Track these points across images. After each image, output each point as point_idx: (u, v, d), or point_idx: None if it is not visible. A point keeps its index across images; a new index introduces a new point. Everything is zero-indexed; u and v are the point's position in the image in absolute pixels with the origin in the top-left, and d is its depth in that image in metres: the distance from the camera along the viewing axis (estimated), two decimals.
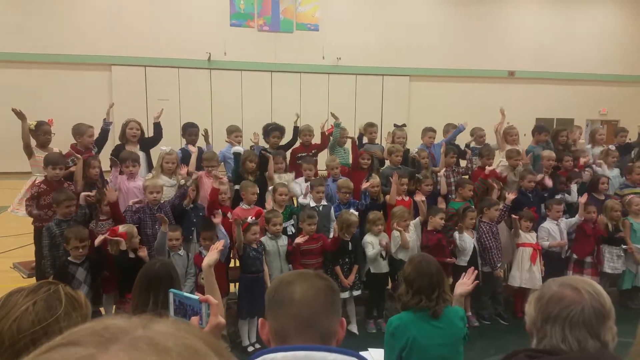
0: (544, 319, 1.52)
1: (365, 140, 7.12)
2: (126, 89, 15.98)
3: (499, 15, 18.69)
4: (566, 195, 6.27)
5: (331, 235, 5.49)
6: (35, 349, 0.54)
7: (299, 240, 5.09)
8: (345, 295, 5.19)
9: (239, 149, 6.07)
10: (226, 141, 6.47)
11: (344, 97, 17.47)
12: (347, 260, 5.32)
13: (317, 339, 1.35)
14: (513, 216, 5.64)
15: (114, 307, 4.85)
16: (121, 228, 4.66)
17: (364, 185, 5.75)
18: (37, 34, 15.31)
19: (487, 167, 6.24)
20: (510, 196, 5.64)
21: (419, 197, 5.62)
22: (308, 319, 1.38)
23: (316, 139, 7.00)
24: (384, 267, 5.40)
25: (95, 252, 4.65)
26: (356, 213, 5.35)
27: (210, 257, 2.25)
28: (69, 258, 4.51)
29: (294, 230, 5.51)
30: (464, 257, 5.49)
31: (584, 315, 1.47)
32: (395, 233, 5.37)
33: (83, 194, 4.98)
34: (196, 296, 1.61)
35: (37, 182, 5.35)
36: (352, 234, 5.28)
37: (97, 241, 4.59)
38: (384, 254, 5.36)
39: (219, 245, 2.57)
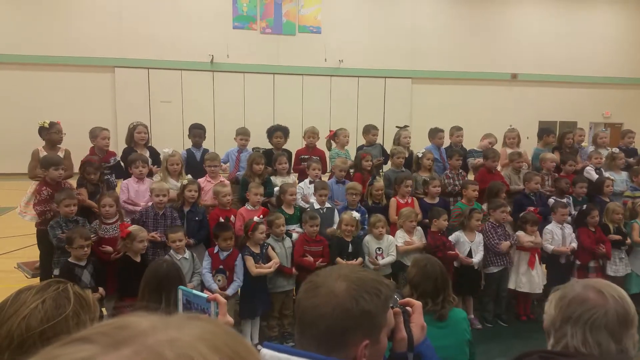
0: (564, 319, 1.50)
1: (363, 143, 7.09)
2: (129, 91, 16.04)
3: (501, 18, 18.70)
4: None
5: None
6: (43, 348, 0.53)
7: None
8: None
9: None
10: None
11: (346, 100, 17.52)
12: (344, 259, 5.17)
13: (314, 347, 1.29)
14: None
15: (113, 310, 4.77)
16: (131, 228, 4.64)
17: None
18: (40, 36, 15.36)
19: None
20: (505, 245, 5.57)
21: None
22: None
23: (321, 145, 6.98)
24: (385, 269, 5.35)
25: (97, 255, 4.65)
26: (357, 214, 5.31)
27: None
28: (70, 260, 4.46)
29: (301, 231, 5.46)
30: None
31: (607, 320, 1.45)
32: (399, 234, 5.38)
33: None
34: (205, 294, 1.60)
35: (38, 187, 5.29)
36: (349, 235, 5.24)
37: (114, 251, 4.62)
38: (380, 259, 5.32)
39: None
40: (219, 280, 4.76)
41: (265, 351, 1.23)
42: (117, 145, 6.51)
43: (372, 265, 5.22)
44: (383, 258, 5.31)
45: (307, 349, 1.25)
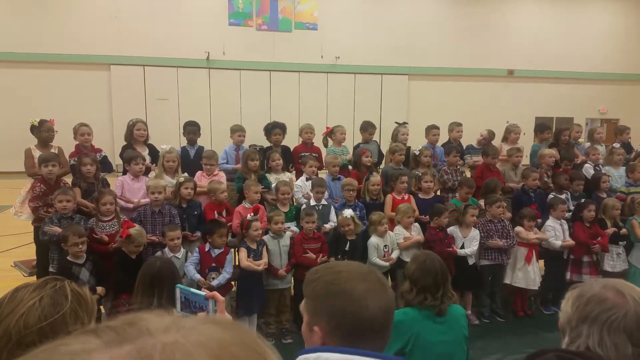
0: (581, 319, 1.45)
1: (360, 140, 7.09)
2: (125, 89, 16.00)
3: (498, 14, 18.70)
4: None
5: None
6: (41, 345, 0.52)
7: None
8: None
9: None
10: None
11: (342, 96, 17.51)
12: (339, 257, 5.21)
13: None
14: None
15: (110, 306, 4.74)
16: (132, 230, 4.61)
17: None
18: (36, 34, 15.29)
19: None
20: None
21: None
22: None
23: (318, 142, 6.98)
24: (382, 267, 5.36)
25: (96, 253, 4.63)
26: (348, 212, 5.30)
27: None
28: (68, 258, 4.44)
29: (297, 230, 5.46)
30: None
31: (626, 322, 1.40)
32: (397, 230, 5.39)
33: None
34: (203, 292, 1.59)
35: (34, 184, 5.27)
36: (351, 233, 5.24)
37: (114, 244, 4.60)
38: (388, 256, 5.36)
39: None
40: (213, 278, 4.74)
41: (322, 355, 1.27)
42: (114, 143, 6.47)
43: (386, 262, 5.27)
44: (391, 254, 5.39)
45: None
